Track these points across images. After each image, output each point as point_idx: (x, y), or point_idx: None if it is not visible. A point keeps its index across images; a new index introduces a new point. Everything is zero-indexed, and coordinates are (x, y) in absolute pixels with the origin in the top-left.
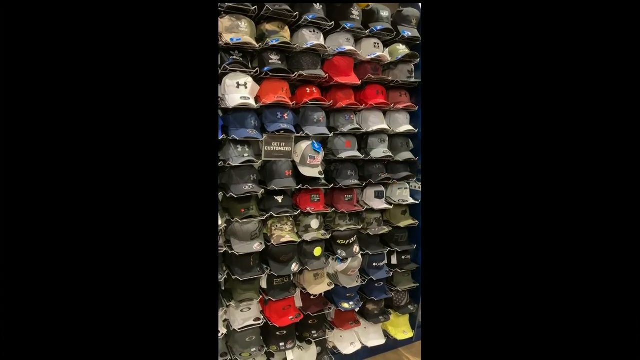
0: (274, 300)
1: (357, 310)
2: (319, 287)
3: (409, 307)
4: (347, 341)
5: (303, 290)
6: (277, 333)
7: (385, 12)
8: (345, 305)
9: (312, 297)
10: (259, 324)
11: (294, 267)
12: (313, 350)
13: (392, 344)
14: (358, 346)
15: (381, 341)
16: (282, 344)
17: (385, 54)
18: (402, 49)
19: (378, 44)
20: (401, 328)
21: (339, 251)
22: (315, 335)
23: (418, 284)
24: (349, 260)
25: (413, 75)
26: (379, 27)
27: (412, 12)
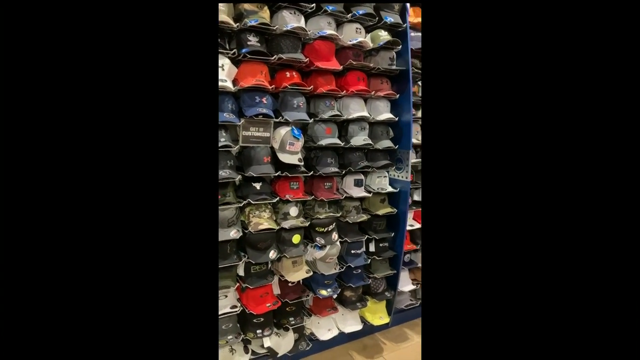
0: (251, 287)
1: (334, 297)
2: (297, 275)
3: (386, 293)
4: (324, 327)
5: (281, 278)
6: (254, 320)
7: None
8: (323, 292)
9: (290, 284)
10: (236, 311)
11: (272, 254)
12: (290, 336)
13: (368, 329)
14: (335, 332)
15: (358, 327)
16: (259, 331)
17: (367, 39)
18: (384, 36)
19: (360, 29)
20: (378, 314)
21: (317, 238)
22: (293, 322)
23: (395, 271)
24: (328, 247)
25: (394, 62)
26: (361, 12)
27: None
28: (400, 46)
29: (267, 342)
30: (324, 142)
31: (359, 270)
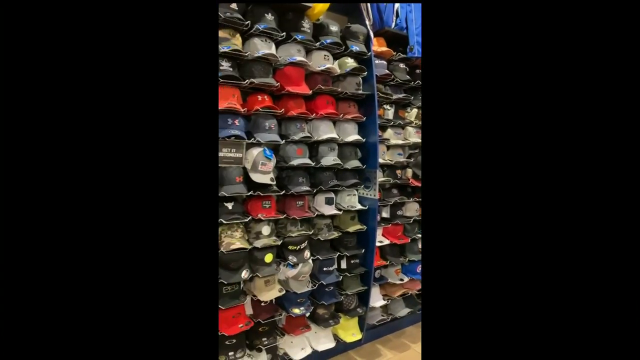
0: (223, 308)
1: (307, 315)
2: (270, 294)
3: (358, 309)
4: (297, 346)
5: (253, 297)
6: (226, 342)
7: (334, 27)
8: (296, 311)
9: (262, 303)
10: None
11: (244, 274)
12: (263, 358)
13: (341, 347)
14: (309, 351)
15: (331, 345)
16: (231, 353)
17: (334, 66)
18: (350, 63)
19: (328, 56)
20: (350, 331)
21: (290, 257)
22: (266, 343)
23: (366, 287)
24: (300, 265)
25: (361, 87)
26: (328, 41)
27: (360, 28)
28: (366, 72)
29: None
30: (295, 162)
31: (332, 288)
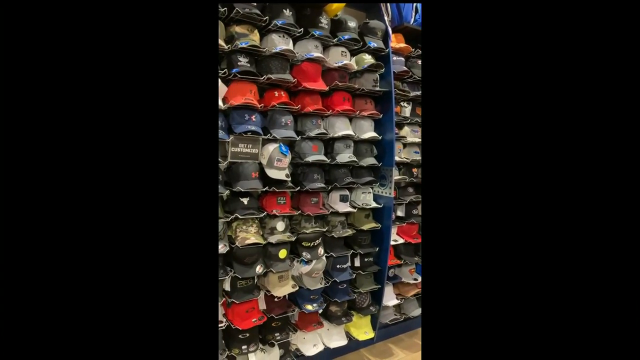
0: (237, 302)
1: (320, 312)
2: (283, 289)
3: (371, 308)
4: (309, 343)
5: (267, 293)
6: (240, 336)
7: (352, 23)
8: (309, 307)
9: (275, 299)
10: (221, 326)
11: (259, 269)
12: (276, 352)
13: (353, 345)
14: (320, 347)
15: (343, 342)
16: (244, 346)
17: (352, 62)
18: (368, 59)
19: (345, 52)
20: (363, 329)
21: (303, 253)
22: (279, 338)
23: (380, 286)
24: (314, 262)
25: (378, 84)
26: (346, 37)
27: (378, 24)
28: (383, 69)
29: (253, 358)
30: (310, 158)
31: (345, 285)
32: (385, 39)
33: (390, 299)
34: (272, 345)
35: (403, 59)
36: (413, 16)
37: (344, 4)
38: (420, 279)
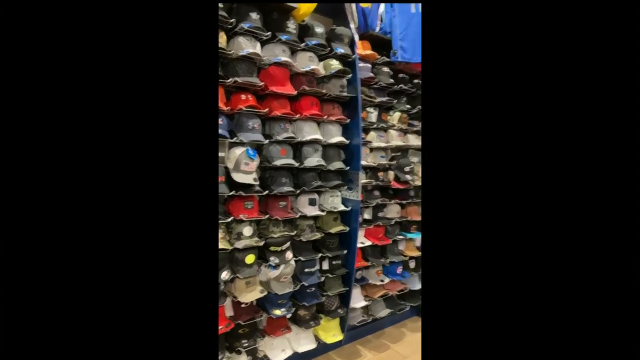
0: None
1: (288, 316)
2: (251, 295)
3: (339, 310)
4: (278, 348)
5: (234, 299)
6: None
7: (319, 29)
8: (277, 312)
9: (243, 305)
10: None
11: (225, 275)
12: None
13: (322, 348)
14: (289, 352)
15: (312, 346)
16: None
17: (319, 67)
18: (335, 65)
19: (313, 57)
20: (331, 332)
21: (271, 258)
22: (246, 345)
23: (347, 288)
24: (282, 266)
25: (345, 89)
26: (313, 42)
27: (345, 31)
28: (351, 75)
29: None
30: (278, 162)
31: (313, 289)
32: (352, 45)
33: (358, 300)
34: (239, 352)
35: (369, 65)
36: (378, 25)
37: (312, 9)
38: (386, 280)
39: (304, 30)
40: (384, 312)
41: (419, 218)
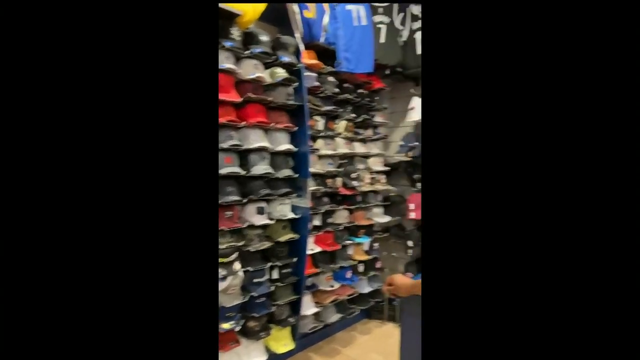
0: None
1: (237, 329)
2: None
3: (290, 319)
4: None
5: None
6: None
7: (264, 37)
8: (226, 326)
9: None
10: None
11: None
12: None
13: (273, 358)
14: None
15: (263, 358)
16: None
17: (265, 75)
18: (281, 73)
19: (258, 65)
20: (282, 341)
21: (218, 270)
22: None
23: (298, 296)
24: (230, 278)
25: (292, 97)
26: (258, 50)
27: (290, 40)
28: (297, 83)
29: None
30: (223, 171)
31: (263, 299)
32: (297, 54)
33: (308, 307)
34: None
35: (315, 74)
36: (323, 35)
37: (257, 17)
38: (336, 286)
39: (249, 38)
40: (334, 317)
41: (366, 222)
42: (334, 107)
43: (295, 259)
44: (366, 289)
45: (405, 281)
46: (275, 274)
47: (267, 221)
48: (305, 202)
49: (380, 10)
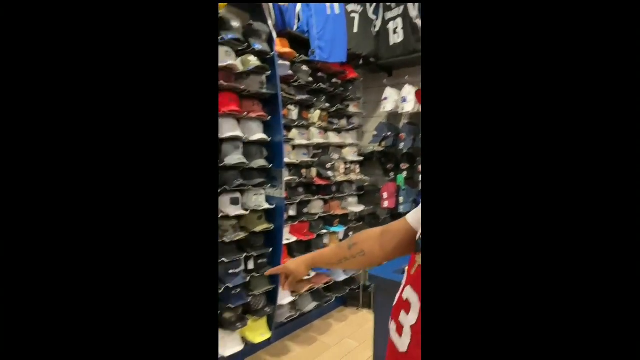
0: None
1: None
2: None
3: (266, 309)
4: None
5: None
6: None
7: (236, 23)
8: None
9: None
10: None
11: None
12: None
13: (250, 349)
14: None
15: (239, 348)
16: None
17: (237, 63)
18: (253, 61)
19: (229, 52)
20: (259, 331)
21: None
22: None
23: (274, 285)
24: None
25: (265, 86)
26: (229, 36)
27: (262, 27)
28: (270, 72)
29: None
30: None
31: (238, 290)
32: (270, 42)
33: (285, 297)
34: None
35: (288, 63)
36: (296, 23)
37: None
38: (312, 274)
39: (220, 24)
40: (310, 305)
41: (341, 212)
42: (307, 96)
43: (270, 249)
44: (342, 277)
45: (297, 261)
46: (250, 265)
47: (242, 212)
48: (280, 193)
49: None
